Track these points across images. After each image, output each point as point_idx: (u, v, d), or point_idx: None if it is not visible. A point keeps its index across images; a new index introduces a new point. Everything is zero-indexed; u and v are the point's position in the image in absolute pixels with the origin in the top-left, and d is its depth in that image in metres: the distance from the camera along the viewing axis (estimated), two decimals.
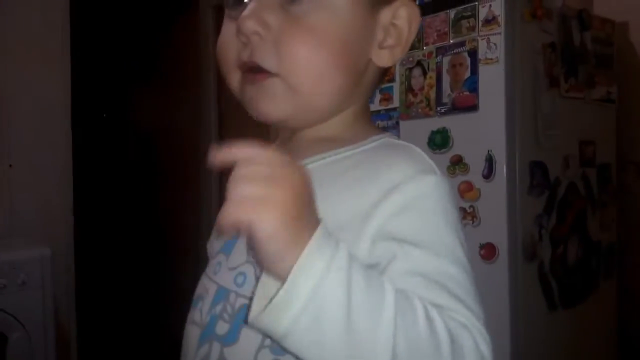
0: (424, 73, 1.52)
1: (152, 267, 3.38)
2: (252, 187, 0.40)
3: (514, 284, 1.36)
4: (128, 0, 3.24)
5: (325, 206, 0.44)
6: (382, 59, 0.55)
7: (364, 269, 0.42)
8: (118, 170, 4.07)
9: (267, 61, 0.50)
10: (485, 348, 0.44)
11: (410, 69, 1.55)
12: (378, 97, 1.64)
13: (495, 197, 1.37)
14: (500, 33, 1.36)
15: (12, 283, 1.74)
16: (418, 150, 0.54)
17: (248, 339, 0.49)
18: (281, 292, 0.39)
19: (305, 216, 0.41)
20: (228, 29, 0.54)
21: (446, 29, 1.46)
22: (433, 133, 1.49)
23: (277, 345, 0.43)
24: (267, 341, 0.48)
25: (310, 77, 0.51)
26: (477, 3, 1.40)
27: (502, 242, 1.36)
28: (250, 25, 0.49)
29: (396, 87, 1.59)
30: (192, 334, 0.56)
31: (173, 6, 3.11)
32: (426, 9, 1.54)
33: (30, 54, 2.22)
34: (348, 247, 0.42)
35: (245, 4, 0.51)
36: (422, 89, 1.52)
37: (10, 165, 2.14)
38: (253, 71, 0.51)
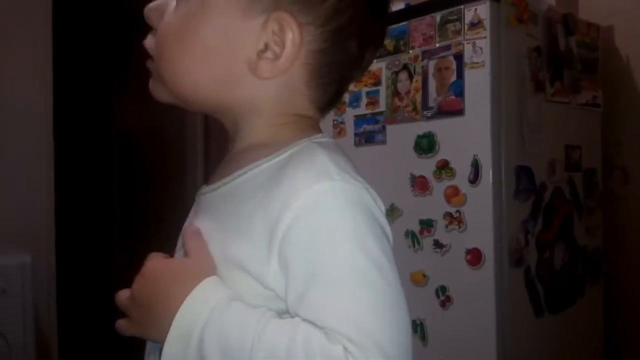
0: (410, 77, 1.51)
1: (135, 275, 3.34)
2: (128, 311, 0.56)
3: (500, 290, 1.35)
4: (111, 2, 3.21)
5: (241, 224, 0.50)
6: (260, 70, 0.53)
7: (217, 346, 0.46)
8: (101, 175, 4.02)
9: (150, 47, 0.57)
10: None
11: (397, 73, 1.54)
12: (365, 100, 1.63)
13: (481, 202, 1.36)
14: (485, 37, 1.35)
15: None
16: (322, 154, 0.50)
17: None
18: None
19: (161, 313, 0.50)
20: None
21: (432, 33, 1.45)
22: (419, 137, 1.48)
23: None
24: None
25: (170, 70, 0.56)
26: (462, 7, 1.39)
27: (488, 247, 1.35)
28: (146, 11, 0.57)
29: (382, 90, 1.58)
30: (148, 344, 0.60)
31: None
32: (412, 12, 1.54)
33: (11, 56, 2.18)
34: (254, 274, 0.48)
35: None
36: (408, 92, 1.51)
37: None
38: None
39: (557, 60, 1.55)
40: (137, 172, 3.56)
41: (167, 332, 0.48)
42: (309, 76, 0.55)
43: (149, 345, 0.60)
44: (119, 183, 3.84)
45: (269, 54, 0.52)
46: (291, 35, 0.51)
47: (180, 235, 0.62)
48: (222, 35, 0.53)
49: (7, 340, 1.73)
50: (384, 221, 0.50)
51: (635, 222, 1.77)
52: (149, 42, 0.58)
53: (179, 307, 0.48)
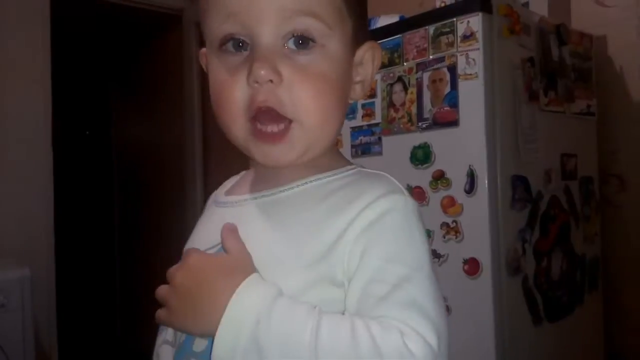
0: (405, 88, 1.52)
1: (135, 288, 3.33)
2: (169, 302, 0.56)
3: (498, 299, 1.36)
4: (111, 17, 3.24)
5: (310, 225, 0.55)
6: (356, 93, 0.62)
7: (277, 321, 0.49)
8: (100, 188, 4.02)
9: (282, 106, 0.54)
10: (417, 347, 0.48)
11: (391, 85, 1.55)
12: (360, 112, 1.64)
13: (477, 211, 1.37)
14: (478, 49, 1.36)
15: None
16: (388, 176, 0.59)
17: None
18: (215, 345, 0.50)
19: (212, 300, 0.52)
20: (225, 74, 0.56)
21: (425, 45, 1.47)
22: (415, 148, 1.49)
23: None
24: None
25: (320, 118, 0.56)
26: (455, 19, 1.41)
27: (485, 256, 1.36)
28: (265, 74, 0.53)
29: (378, 102, 1.59)
30: (165, 353, 0.60)
31: (156, 23, 3.11)
32: (406, 25, 1.56)
33: (11, 71, 2.20)
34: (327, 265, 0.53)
35: (247, 52, 0.55)
36: (403, 104, 1.53)
37: None
38: (264, 127, 0.54)
39: (551, 70, 1.56)
40: (137, 185, 3.57)
41: (212, 323, 0.50)
42: None
43: (167, 356, 0.60)
44: (118, 197, 3.85)
45: (359, 78, 0.62)
46: (372, 57, 0.62)
47: (190, 240, 0.66)
48: (345, 76, 0.59)
49: (6, 354, 1.73)
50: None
51: (632, 229, 1.77)
52: (285, 96, 0.54)
53: (229, 298, 0.50)
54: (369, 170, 0.62)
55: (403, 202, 0.55)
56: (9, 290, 1.77)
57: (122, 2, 2.80)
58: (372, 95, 1.61)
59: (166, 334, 0.62)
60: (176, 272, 0.55)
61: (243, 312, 0.49)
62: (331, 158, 0.62)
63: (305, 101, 0.54)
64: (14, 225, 2.15)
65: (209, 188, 0.66)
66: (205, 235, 0.63)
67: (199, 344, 0.56)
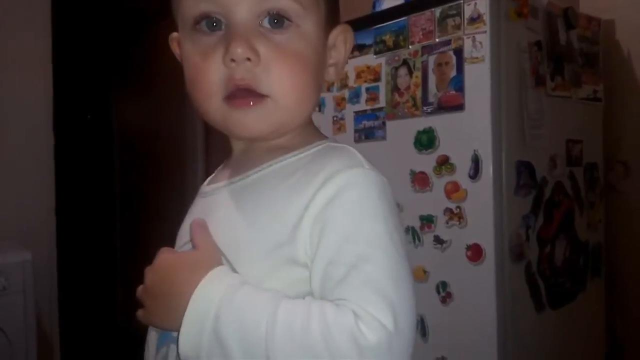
0: (410, 72, 1.50)
1: (136, 272, 3.34)
2: (145, 302, 0.58)
3: (501, 285, 1.35)
4: (111, 2, 3.21)
5: (272, 207, 0.55)
6: (330, 75, 0.63)
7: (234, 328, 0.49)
8: (101, 172, 4.02)
9: (260, 84, 0.54)
10: (370, 329, 0.47)
11: (396, 68, 1.53)
12: (364, 96, 1.63)
13: (481, 197, 1.36)
14: (485, 32, 1.34)
15: None
16: (352, 150, 0.58)
17: None
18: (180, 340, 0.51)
19: (179, 295, 0.52)
20: (199, 56, 0.56)
21: (432, 28, 1.45)
22: (419, 133, 1.47)
23: None
24: None
25: (296, 97, 0.56)
26: (462, 1, 1.38)
27: (488, 242, 1.35)
28: (242, 52, 0.53)
29: (382, 86, 1.57)
30: (151, 338, 0.62)
31: (158, 6, 3.07)
32: (412, 7, 1.53)
33: (11, 56, 2.18)
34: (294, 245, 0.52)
35: (221, 32, 0.55)
36: (408, 88, 1.51)
37: None
38: (240, 95, 0.54)
39: (558, 54, 1.54)
40: (138, 169, 3.56)
41: (179, 320, 0.50)
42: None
43: (152, 340, 0.61)
44: (119, 180, 3.84)
45: (332, 61, 0.62)
46: (344, 40, 0.63)
47: (179, 233, 0.65)
48: (320, 58, 0.59)
49: (8, 337, 1.73)
50: (395, 205, 0.57)
51: (636, 216, 1.76)
52: (262, 74, 0.54)
53: (193, 293, 0.51)
54: (335, 144, 0.61)
55: (362, 176, 0.54)
56: (10, 274, 1.77)
57: None
58: (377, 79, 1.59)
59: None
60: (148, 273, 0.57)
61: (203, 309, 0.50)
62: (304, 136, 0.61)
63: (282, 80, 0.55)
64: (15, 209, 2.14)
65: (210, 172, 0.66)
66: (185, 228, 0.64)
67: None
